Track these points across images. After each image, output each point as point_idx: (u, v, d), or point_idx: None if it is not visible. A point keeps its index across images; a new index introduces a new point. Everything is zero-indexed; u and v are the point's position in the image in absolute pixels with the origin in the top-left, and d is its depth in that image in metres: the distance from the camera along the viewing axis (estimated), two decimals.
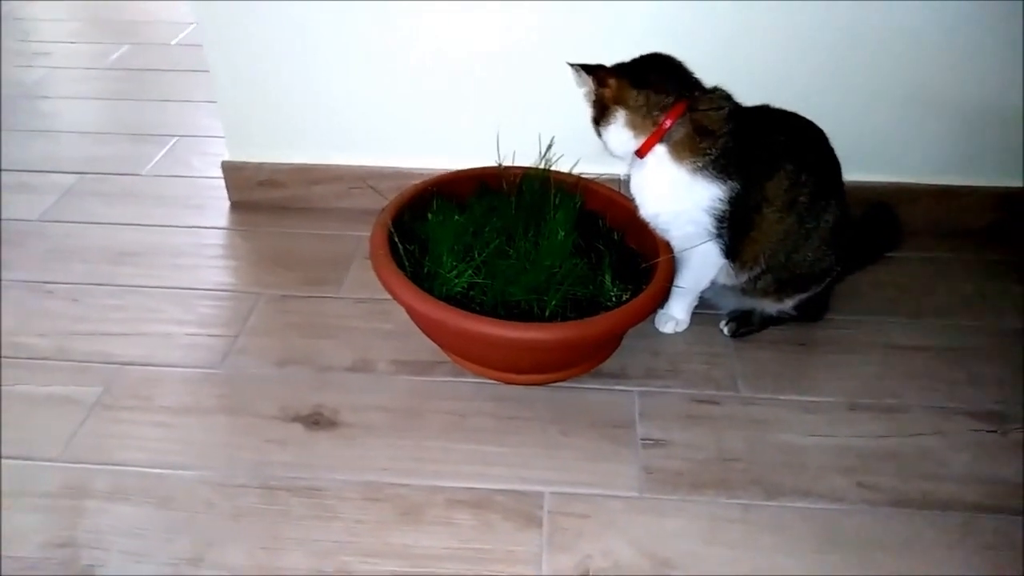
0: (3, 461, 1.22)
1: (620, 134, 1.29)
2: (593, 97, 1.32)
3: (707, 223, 1.29)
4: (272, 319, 1.51)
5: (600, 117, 1.31)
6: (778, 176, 1.27)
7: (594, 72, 1.29)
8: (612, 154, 1.33)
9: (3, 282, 1.58)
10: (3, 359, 1.40)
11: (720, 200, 1.26)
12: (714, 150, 1.25)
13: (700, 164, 1.25)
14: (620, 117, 1.28)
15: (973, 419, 1.31)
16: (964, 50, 1.54)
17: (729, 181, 1.25)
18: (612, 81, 1.28)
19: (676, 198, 1.29)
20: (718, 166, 1.25)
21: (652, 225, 1.35)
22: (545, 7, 1.54)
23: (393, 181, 1.71)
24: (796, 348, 1.46)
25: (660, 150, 1.27)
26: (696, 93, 1.27)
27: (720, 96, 1.28)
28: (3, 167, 1.98)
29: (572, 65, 1.30)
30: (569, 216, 1.40)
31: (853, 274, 1.51)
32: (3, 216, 1.79)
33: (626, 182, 1.38)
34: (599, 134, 1.32)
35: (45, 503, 1.16)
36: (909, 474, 1.22)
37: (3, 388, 1.34)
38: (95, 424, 1.29)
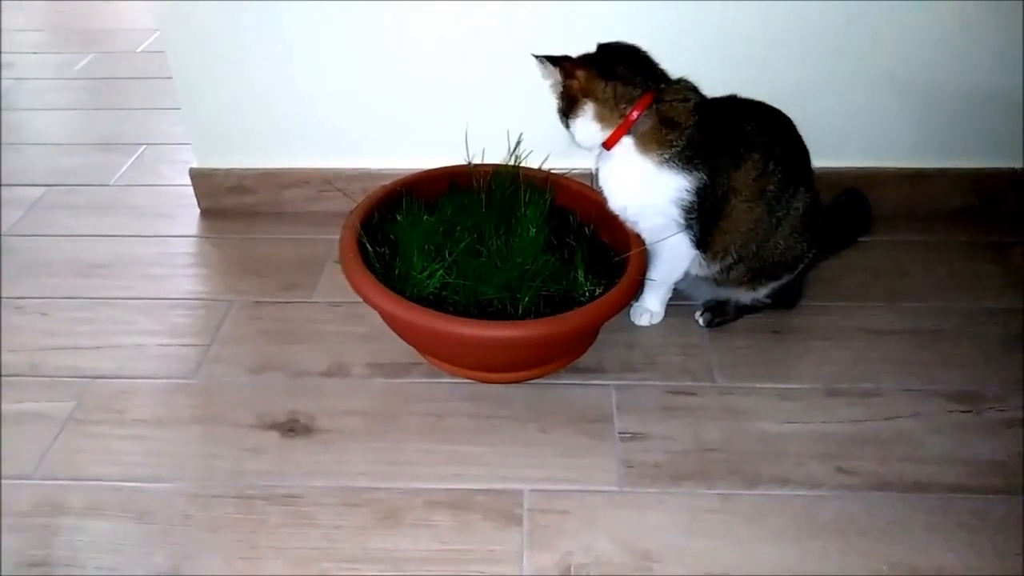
0: None
1: (588, 126, 1.28)
2: (560, 89, 1.30)
3: (674, 214, 1.28)
4: (245, 326, 1.49)
5: (568, 109, 1.30)
6: (745, 166, 1.27)
7: (560, 63, 1.28)
8: (579, 146, 1.33)
9: None
10: None
11: (687, 191, 1.26)
12: (680, 141, 1.24)
13: (667, 156, 1.25)
14: (588, 109, 1.27)
15: (949, 400, 1.32)
16: (931, 33, 1.55)
17: (695, 172, 1.25)
18: (580, 73, 1.27)
19: (643, 190, 1.28)
20: (683, 157, 1.24)
21: (621, 217, 1.35)
22: (510, 4, 1.53)
23: (362, 183, 1.71)
24: (771, 336, 1.46)
25: (627, 142, 1.27)
26: (662, 84, 1.27)
27: (686, 87, 1.28)
28: None
29: (537, 57, 1.29)
30: (540, 212, 1.40)
31: (826, 260, 1.52)
32: None
33: (596, 176, 1.38)
34: (566, 126, 1.32)
35: (19, 522, 1.15)
36: (887, 457, 1.23)
37: None
38: (68, 439, 1.27)
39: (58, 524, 1.14)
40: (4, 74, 2.58)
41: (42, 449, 1.25)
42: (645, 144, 1.26)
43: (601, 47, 1.30)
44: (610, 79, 1.26)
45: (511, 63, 1.56)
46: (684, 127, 1.25)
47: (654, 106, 1.25)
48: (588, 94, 1.27)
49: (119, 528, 1.14)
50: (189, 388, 1.36)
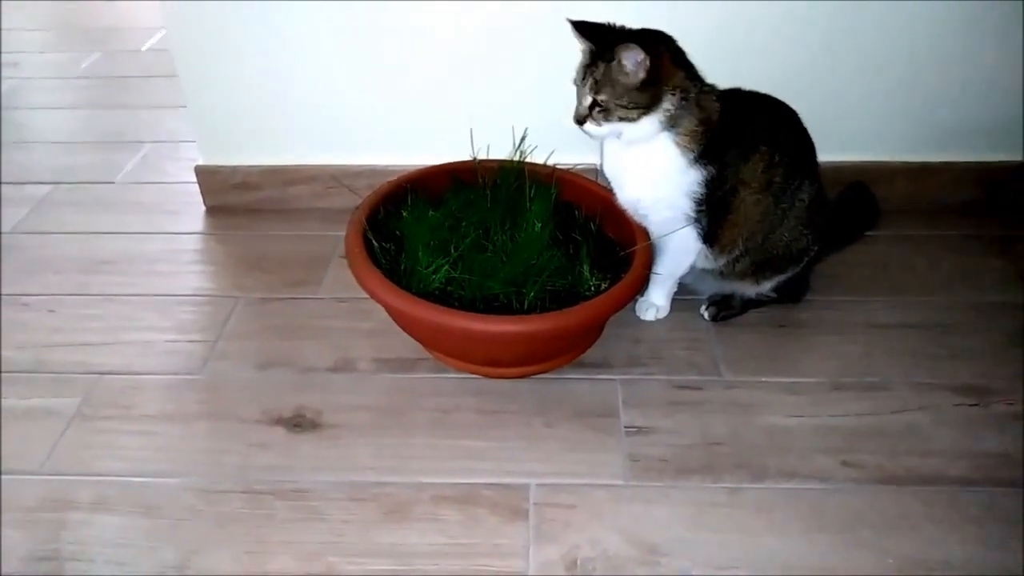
0: None
1: (654, 121, 1.21)
2: (642, 76, 1.17)
3: (686, 207, 1.28)
4: (251, 322, 1.50)
5: (648, 101, 1.19)
6: (753, 159, 1.27)
7: (651, 49, 1.16)
8: (604, 137, 1.26)
9: None
10: None
11: (699, 184, 1.25)
12: (707, 138, 1.23)
13: (697, 153, 1.23)
14: (667, 103, 1.20)
15: (956, 394, 1.32)
16: (937, 27, 1.54)
17: (709, 166, 1.24)
18: (666, 62, 1.18)
19: (664, 183, 1.26)
20: (705, 152, 1.23)
21: (630, 210, 1.34)
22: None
23: (367, 179, 1.71)
24: (777, 330, 1.46)
25: (663, 136, 1.23)
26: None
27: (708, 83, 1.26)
28: None
29: (626, 44, 1.14)
30: (545, 207, 1.39)
31: (832, 254, 1.51)
32: None
33: (602, 168, 1.36)
34: (629, 120, 1.20)
35: (27, 517, 1.15)
36: (894, 451, 1.23)
37: None
38: (76, 435, 1.28)
39: (66, 519, 1.15)
40: (10, 73, 2.58)
41: (50, 445, 1.26)
42: (685, 140, 1.23)
43: (656, 34, 1.21)
44: (681, 69, 1.21)
45: (515, 58, 1.56)
46: (714, 124, 1.23)
47: (693, 100, 1.22)
48: (668, 86, 1.19)
49: (127, 523, 1.14)
50: (196, 384, 1.37)
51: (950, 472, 1.19)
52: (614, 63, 1.18)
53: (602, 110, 1.21)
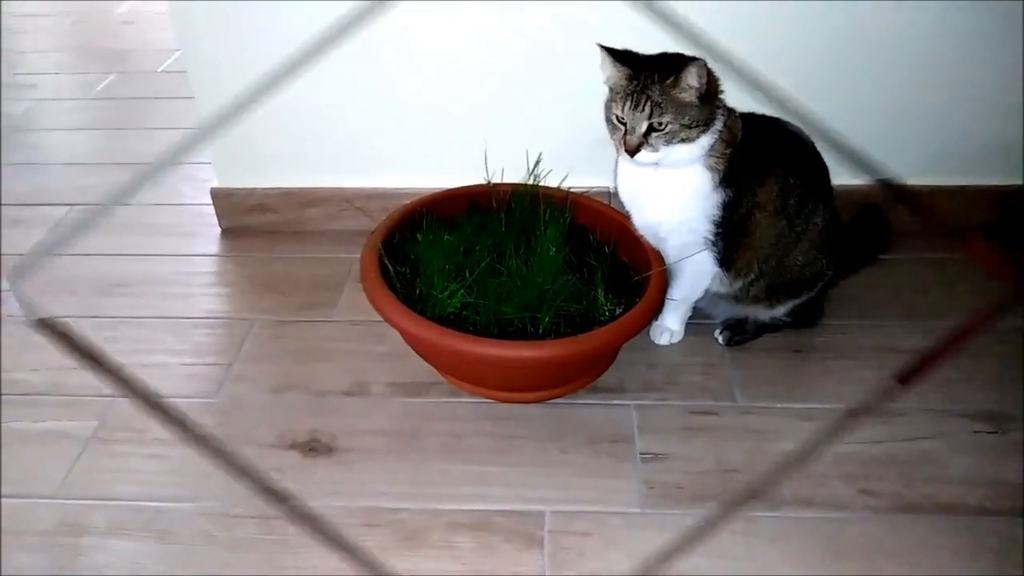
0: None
1: (707, 140, 1.21)
2: (696, 94, 1.17)
3: (706, 230, 1.28)
4: (267, 345, 1.50)
5: (705, 119, 1.19)
6: (769, 182, 1.27)
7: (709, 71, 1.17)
8: (653, 164, 1.22)
9: None
10: None
11: (718, 207, 1.26)
12: (730, 160, 1.23)
13: (722, 175, 1.24)
14: (718, 121, 1.21)
15: (972, 420, 1.31)
16: (951, 50, 1.54)
17: (728, 189, 1.25)
18: (715, 79, 1.20)
19: (689, 206, 1.26)
20: (726, 175, 1.24)
21: (648, 234, 1.35)
22: (530, 22, 1.54)
23: (382, 202, 1.71)
24: (792, 355, 1.45)
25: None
26: None
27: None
28: None
29: (696, 63, 1.15)
30: (559, 232, 1.40)
31: (846, 278, 1.51)
32: None
33: (619, 192, 1.36)
34: (687, 140, 1.19)
35: (43, 541, 1.15)
36: (911, 479, 1.22)
37: None
38: (91, 459, 1.28)
39: (82, 543, 1.15)
40: (27, 95, 2.60)
41: (65, 468, 1.26)
42: (713, 162, 1.23)
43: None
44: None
45: (530, 82, 1.56)
46: (738, 146, 1.24)
47: (723, 123, 1.23)
48: (717, 103, 1.21)
49: (141, 548, 1.14)
50: (211, 407, 1.37)
51: (969, 500, 1.18)
52: (671, 82, 1.16)
53: (661, 134, 1.18)
